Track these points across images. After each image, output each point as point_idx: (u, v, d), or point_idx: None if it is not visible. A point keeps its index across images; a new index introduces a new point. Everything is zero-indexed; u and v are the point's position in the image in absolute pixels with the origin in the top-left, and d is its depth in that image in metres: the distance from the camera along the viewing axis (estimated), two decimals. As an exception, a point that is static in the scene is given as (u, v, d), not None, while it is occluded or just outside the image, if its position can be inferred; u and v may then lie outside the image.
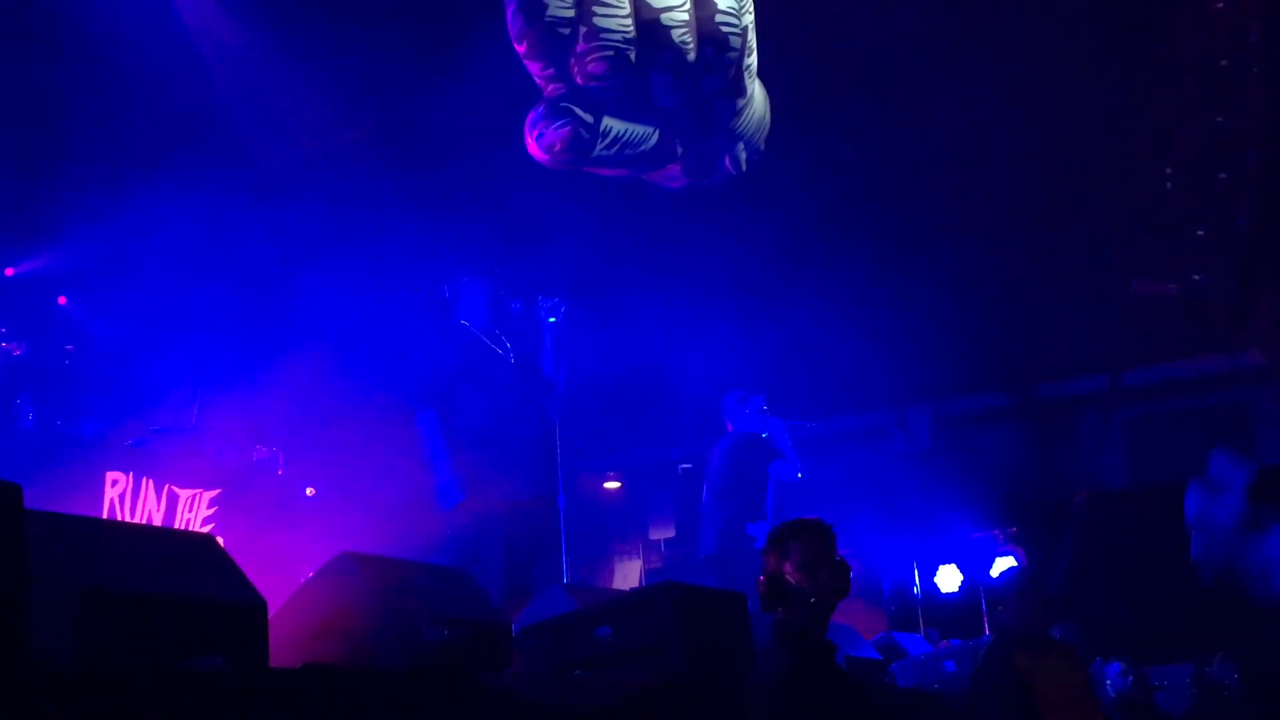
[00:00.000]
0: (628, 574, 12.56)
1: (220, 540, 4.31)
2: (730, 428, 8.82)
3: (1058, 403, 12.70)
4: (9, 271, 8.01)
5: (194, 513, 8.08)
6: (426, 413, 7.04)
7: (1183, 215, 9.93)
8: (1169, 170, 9.89)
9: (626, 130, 7.43)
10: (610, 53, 7.21)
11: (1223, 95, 9.15)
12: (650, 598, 4.82)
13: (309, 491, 9.05)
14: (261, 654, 3.46)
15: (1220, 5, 8.80)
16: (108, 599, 3.07)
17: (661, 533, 12.92)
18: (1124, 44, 9.10)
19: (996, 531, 10.75)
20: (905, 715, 5.83)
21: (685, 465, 10.18)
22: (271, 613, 3.67)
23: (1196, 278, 9.43)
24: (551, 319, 7.41)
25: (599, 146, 7.33)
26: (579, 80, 7.29)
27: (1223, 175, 9.30)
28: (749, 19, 7.71)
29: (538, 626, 4.90)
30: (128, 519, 7.58)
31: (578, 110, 7.27)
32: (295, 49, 8.66)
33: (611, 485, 13.11)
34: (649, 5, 7.36)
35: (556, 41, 7.18)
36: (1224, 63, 9.06)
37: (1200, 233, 9.95)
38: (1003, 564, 9.92)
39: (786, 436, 8.60)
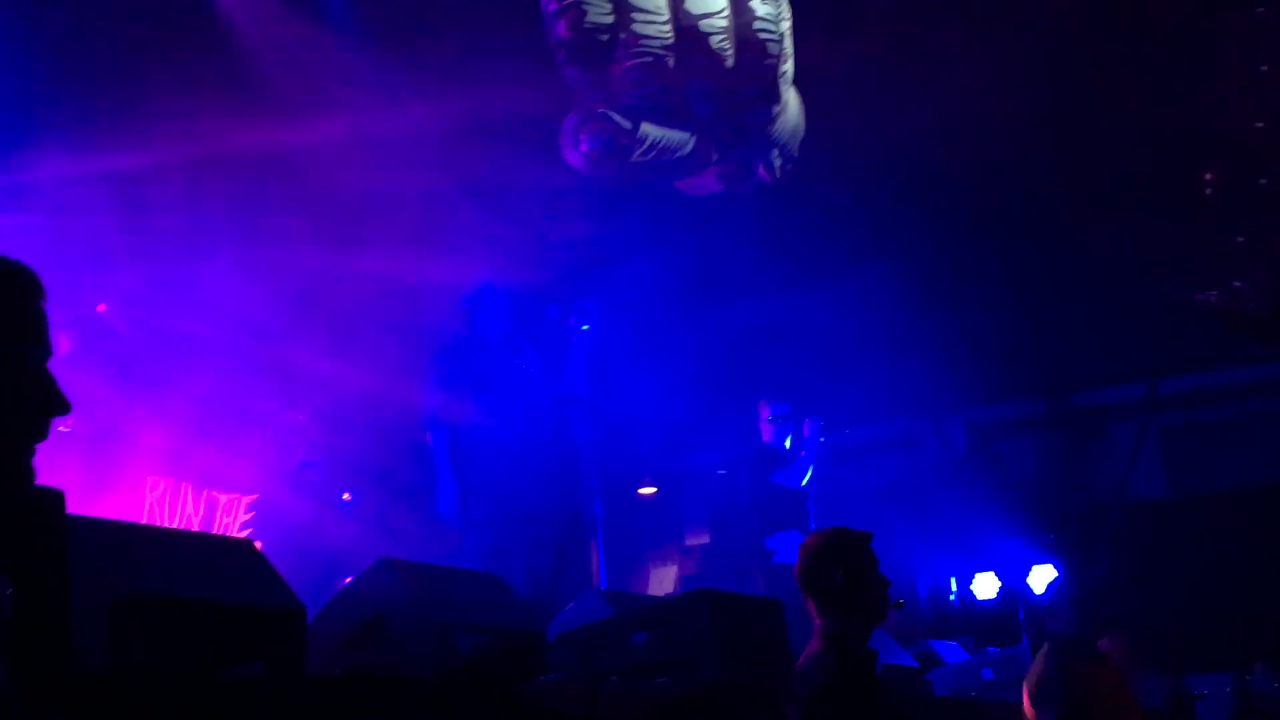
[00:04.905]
0: (663, 580, 12.54)
1: (259, 545, 4.32)
2: (763, 438, 8.92)
3: (1093, 411, 12.63)
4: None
5: (232, 517, 8.13)
6: (438, 429, 7.06)
7: (1222, 222, 9.86)
8: (1208, 177, 9.83)
9: (663, 136, 7.45)
10: (649, 59, 7.23)
11: (1262, 101, 9.09)
12: (686, 605, 4.82)
13: (345, 496, 9.09)
14: (299, 660, 3.47)
15: (1261, 10, 8.74)
16: (147, 604, 3.08)
17: (697, 539, 12.90)
18: (1163, 49, 9.04)
19: (1033, 539, 10.69)
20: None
21: (720, 471, 10.18)
22: (309, 618, 3.68)
23: (1236, 284, 9.36)
24: (585, 326, 7.41)
25: (636, 153, 7.34)
26: (617, 86, 7.30)
27: (1263, 181, 9.23)
28: (786, 25, 7.71)
29: (574, 633, 4.89)
30: (166, 523, 7.63)
31: (615, 117, 7.29)
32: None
33: (646, 491, 13.10)
34: (688, 12, 7.37)
35: (595, 48, 7.20)
36: (1264, 68, 9.00)
37: (1240, 239, 9.88)
38: (1040, 572, 9.87)
39: (808, 444, 8.66)
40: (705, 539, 12.90)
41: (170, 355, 8.31)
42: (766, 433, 8.89)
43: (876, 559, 4.30)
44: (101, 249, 7.84)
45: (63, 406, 1.99)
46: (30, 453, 1.96)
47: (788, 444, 8.84)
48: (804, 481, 8.70)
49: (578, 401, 7.35)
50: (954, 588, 11.16)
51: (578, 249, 9.61)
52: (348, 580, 4.62)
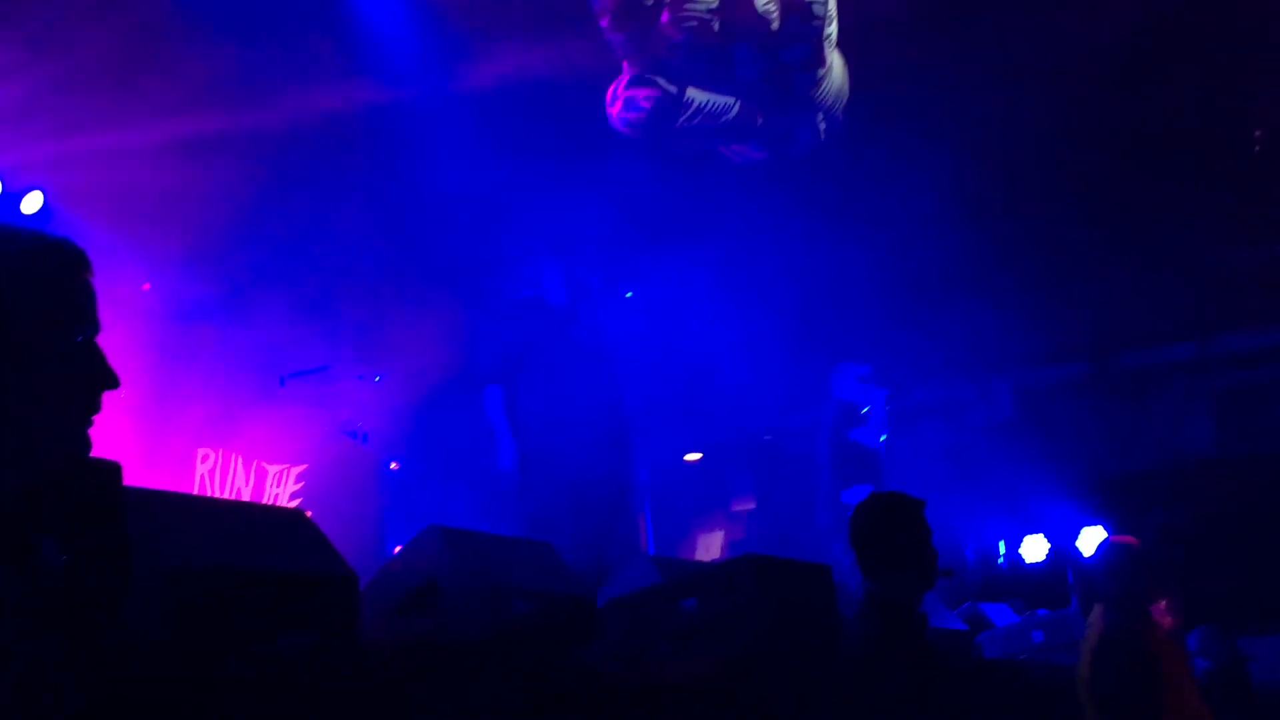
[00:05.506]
0: (710, 546, 12.56)
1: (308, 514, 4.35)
2: (835, 396, 8.97)
3: (1143, 372, 12.51)
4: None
5: (281, 488, 8.19)
6: (492, 389, 7.11)
7: (1271, 178, 9.74)
8: (1257, 133, 9.71)
9: (709, 101, 7.44)
10: (694, 23, 7.20)
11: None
12: (735, 570, 4.82)
13: (393, 466, 9.14)
14: (353, 627, 3.49)
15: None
16: (202, 574, 3.11)
17: (743, 504, 12.91)
18: (1213, 6, 8.92)
19: (1082, 502, 10.64)
20: (992, 687, 5.80)
21: (767, 436, 10.16)
22: (360, 587, 3.70)
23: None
24: (629, 294, 7.44)
25: (682, 117, 7.34)
26: (662, 51, 7.29)
27: (1312, 136, 9.12)
28: (831, -13, 7.68)
29: (623, 599, 4.91)
30: (217, 494, 7.70)
31: (661, 81, 7.28)
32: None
33: (692, 457, 13.11)
34: (732, -25, 7.35)
35: (640, 12, 7.18)
36: (1314, 22, 8.87)
37: (1290, 195, 9.76)
38: (1090, 534, 9.82)
39: (881, 406, 8.72)
40: (751, 504, 12.91)
41: (220, 327, 8.37)
42: (850, 391, 8.94)
43: (929, 527, 4.32)
44: (147, 221, 7.88)
45: (112, 381, 2.01)
46: (86, 425, 1.99)
47: (865, 410, 8.91)
48: (881, 439, 8.81)
49: (628, 368, 7.39)
50: (1002, 551, 11.12)
51: (629, 222, 9.60)
52: (398, 549, 4.65)
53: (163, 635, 2.98)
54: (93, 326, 2.02)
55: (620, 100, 7.37)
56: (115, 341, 2.10)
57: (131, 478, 2.92)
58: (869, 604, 4.25)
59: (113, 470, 2.42)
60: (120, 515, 2.26)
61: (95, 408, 2.00)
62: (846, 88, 8.20)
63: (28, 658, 1.77)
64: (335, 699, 3.11)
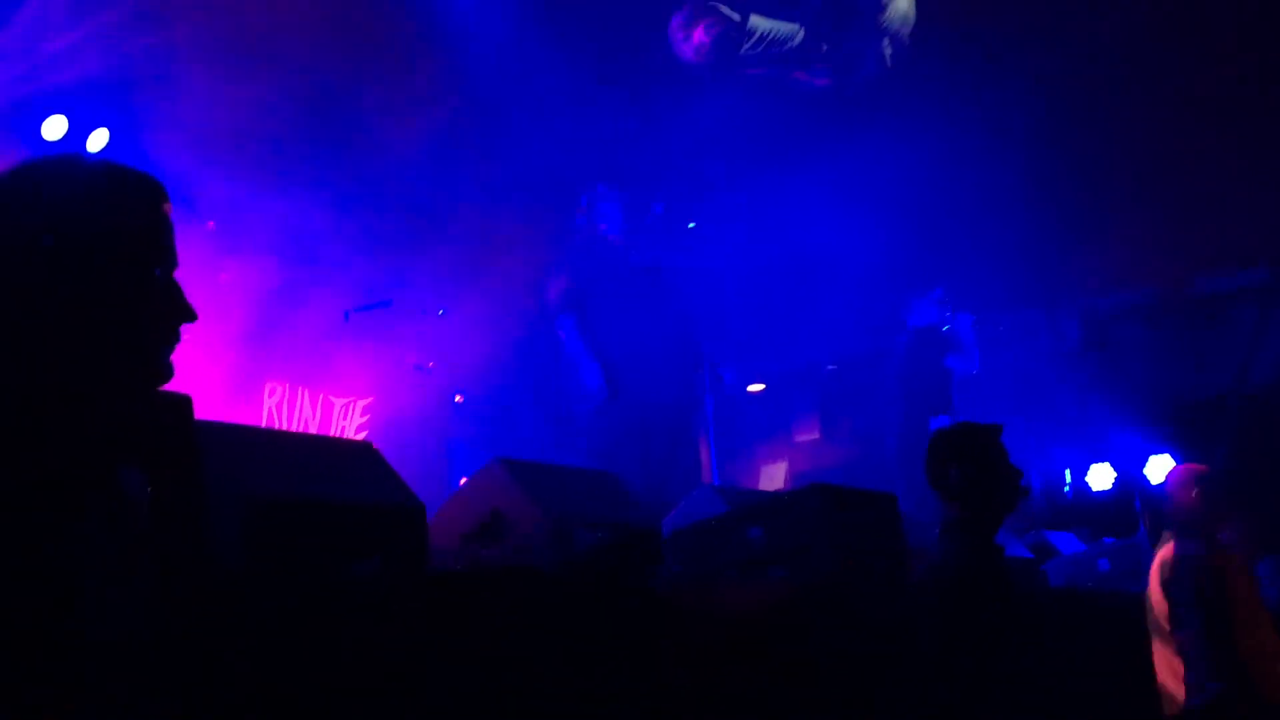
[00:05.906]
0: (773, 476, 12.57)
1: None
2: (910, 322, 8.92)
3: (1214, 297, 12.34)
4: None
5: (348, 420, 8.28)
6: (566, 318, 7.14)
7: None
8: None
9: (772, 28, 7.38)
10: (755, -52, 7.14)
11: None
12: (800, 499, 4.83)
13: (458, 399, 9.20)
14: (422, 556, 3.54)
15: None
16: (276, 503, 3.16)
17: (806, 434, 12.90)
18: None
19: (1150, 430, 10.54)
20: (1058, 615, 5.79)
21: (830, 366, 10.12)
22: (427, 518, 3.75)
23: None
24: (691, 224, 7.43)
25: (746, 45, 7.28)
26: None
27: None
28: (896, -92, 7.56)
29: (688, 529, 4.93)
30: (284, 427, 7.79)
31: (724, 9, 7.23)
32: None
33: (755, 387, 13.10)
34: (795, -101, 7.26)
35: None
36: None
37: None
38: (1158, 462, 9.75)
39: (968, 329, 8.66)
40: (815, 434, 12.89)
41: (283, 262, 8.42)
42: (929, 316, 8.90)
43: (1005, 450, 4.30)
44: (215, 157, 7.91)
45: (189, 314, 2.03)
46: (166, 357, 2.02)
47: (946, 329, 8.88)
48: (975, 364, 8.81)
49: (691, 297, 7.40)
50: (1068, 479, 11.06)
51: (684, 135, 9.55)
52: (463, 480, 4.69)
53: (240, 562, 3.03)
54: (171, 260, 2.05)
55: (684, 30, 7.32)
56: (181, 277, 2.12)
57: (201, 411, 2.97)
58: (948, 530, 4.25)
59: (183, 402, 2.46)
60: (196, 447, 2.29)
61: (174, 339, 2.03)
62: (913, 12, 8.09)
63: (117, 584, 1.82)
64: (406, 625, 3.15)
